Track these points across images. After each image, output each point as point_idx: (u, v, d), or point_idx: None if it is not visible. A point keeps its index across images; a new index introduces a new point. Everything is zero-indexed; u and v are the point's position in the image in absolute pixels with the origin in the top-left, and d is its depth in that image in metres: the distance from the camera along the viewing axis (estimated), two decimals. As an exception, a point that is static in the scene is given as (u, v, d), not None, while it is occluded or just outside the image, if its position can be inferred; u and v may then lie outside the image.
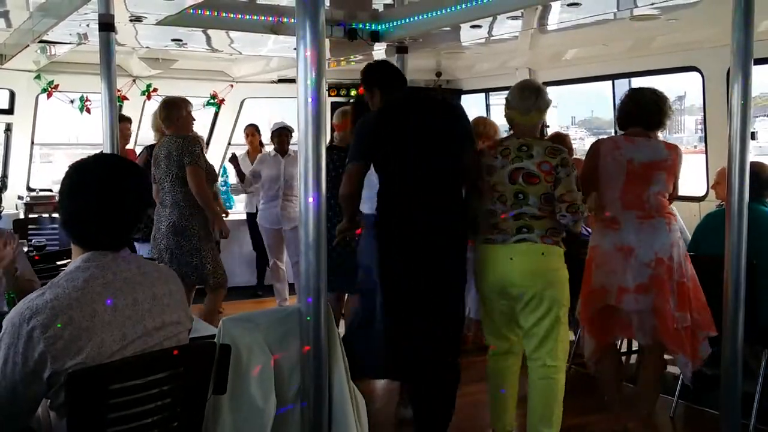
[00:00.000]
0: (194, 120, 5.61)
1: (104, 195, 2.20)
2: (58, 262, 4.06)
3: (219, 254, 5.61)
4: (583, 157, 4.56)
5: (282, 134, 7.07)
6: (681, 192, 4.35)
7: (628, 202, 4.06)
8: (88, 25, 5.19)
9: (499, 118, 10.41)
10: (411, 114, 4.11)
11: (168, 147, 5.27)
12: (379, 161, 4.02)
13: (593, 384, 5.25)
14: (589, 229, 5.60)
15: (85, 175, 2.23)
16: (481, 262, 3.98)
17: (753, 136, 3.80)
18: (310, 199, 2.61)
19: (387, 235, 4.00)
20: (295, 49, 2.58)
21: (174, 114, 5.37)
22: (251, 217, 7.66)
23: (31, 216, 7.57)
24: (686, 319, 4.05)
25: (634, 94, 4.28)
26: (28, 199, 7.91)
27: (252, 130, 8.12)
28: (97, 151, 3.71)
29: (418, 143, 3.99)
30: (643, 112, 4.14)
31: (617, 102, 4.34)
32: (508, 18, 5.26)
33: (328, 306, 2.71)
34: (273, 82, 9.04)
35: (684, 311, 4.05)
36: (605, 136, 4.28)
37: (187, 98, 5.62)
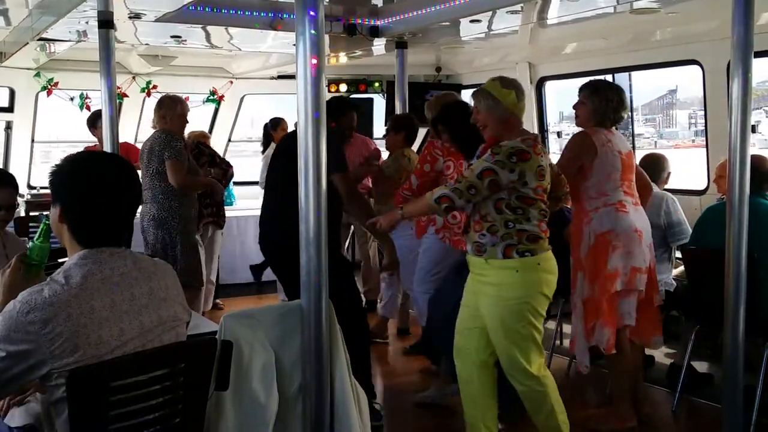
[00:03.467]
0: (187, 122, 5.61)
1: (106, 192, 2.20)
2: (59, 260, 4.05)
3: (198, 257, 5.55)
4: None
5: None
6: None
7: (626, 190, 4.18)
8: (87, 23, 5.18)
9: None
10: None
11: (152, 142, 5.30)
12: None
13: (592, 379, 5.26)
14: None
15: (83, 172, 2.23)
16: (544, 271, 3.64)
17: (753, 129, 3.80)
18: (310, 195, 2.61)
19: None
20: (294, 45, 2.58)
21: (163, 111, 5.39)
22: None
23: (32, 214, 7.58)
24: (659, 299, 4.39)
25: (620, 92, 4.30)
26: (29, 197, 7.92)
27: (285, 124, 7.87)
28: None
29: None
30: (624, 111, 4.29)
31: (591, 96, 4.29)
32: (507, 12, 5.26)
33: (329, 302, 2.71)
34: (272, 78, 9.04)
35: (657, 292, 4.39)
36: (587, 129, 4.25)
37: (182, 98, 5.62)
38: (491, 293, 3.62)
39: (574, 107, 4.33)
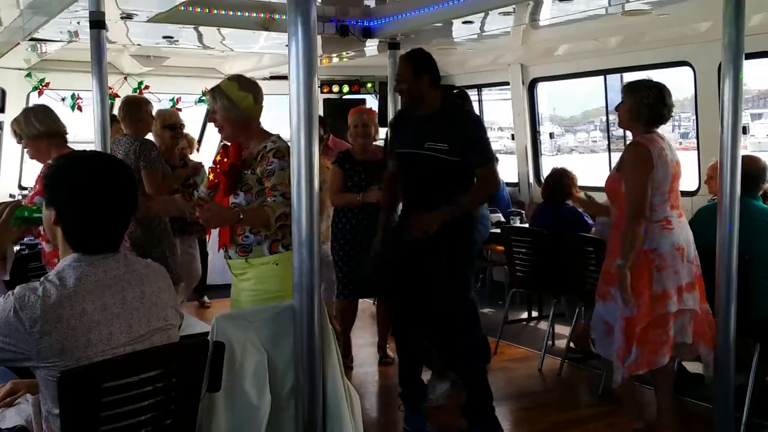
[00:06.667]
0: (153, 119, 5.55)
1: (102, 197, 2.18)
2: (30, 264, 4.05)
3: (177, 252, 5.57)
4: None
5: None
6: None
7: (672, 203, 3.93)
8: (78, 23, 5.17)
9: (493, 114, 10.46)
10: None
11: (126, 148, 5.12)
12: None
13: (583, 379, 5.27)
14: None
15: (78, 175, 2.20)
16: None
17: (744, 130, 3.81)
18: (303, 196, 2.61)
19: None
20: (286, 45, 2.58)
21: (135, 114, 5.25)
22: None
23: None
24: (710, 311, 4.01)
25: (668, 91, 3.99)
26: (20, 197, 7.89)
27: None
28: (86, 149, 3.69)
29: None
30: (664, 106, 3.96)
31: (611, 96, 4.13)
32: (499, 14, 5.27)
33: (322, 302, 2.71)
34: (265, 78, 9.03)
35: (704, 302, 4.01)
36: (642, 137, 3.93)
37: (147, 99, 5.58)
38: (250, 288, 3.53)
39: (616, 108, 4.11)
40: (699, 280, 3.98)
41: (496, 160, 4.31)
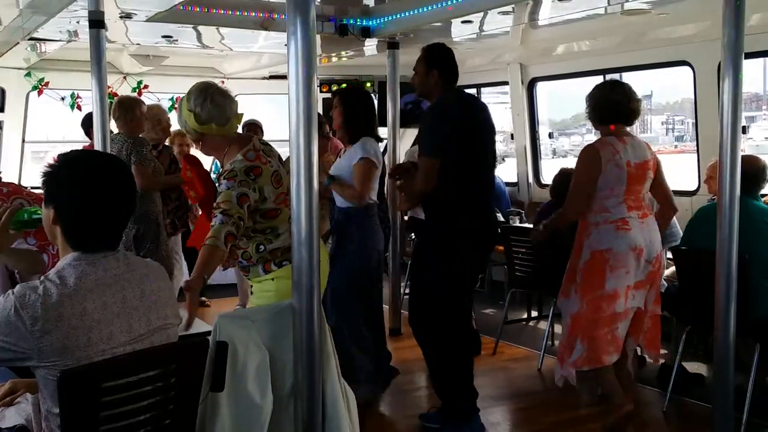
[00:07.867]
0: (146, 120, 5.61)
1: (103, 196, 2.18)
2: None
3: (167, 248, 5.67)
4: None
5: (251, 130, 6.82)
6: (672, 187, 4.37)
7: (630, 204, 4.04)
8: (78, 22, 5.17)
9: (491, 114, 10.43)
10: (480, 108, 4.27)
11: (119, 146, 5.24)
12: (457, 157, 3.99)
13: (582, 379, 5.26)
14: None
15: (79, 174, 2.19)
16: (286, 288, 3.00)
17: (744, 130, 3.82)
18: (302, 196, 2.60)
19: (472, 233, 4.11)
20: (285, 45, 2.58)
21: (128, 115, 5.37)
22: None
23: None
24: (657, 311, 4.29)
25: (616, 85, 4.21)
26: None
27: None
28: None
29: (489, 140, 4.23)
30: (630, 103, 4.11)
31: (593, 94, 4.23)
32: (498, 13, 5.27)
33: (321, 302, 2.70)
34: (264, 78, 9.04)
35: (657, 303, 4.28)
36: (596, 140, 4.15)
37: (140, 99, 5.72)
38: (253, 302, 3.57)
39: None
40: (653, 279, 4.17)
41: (433, 156, 4.00)
